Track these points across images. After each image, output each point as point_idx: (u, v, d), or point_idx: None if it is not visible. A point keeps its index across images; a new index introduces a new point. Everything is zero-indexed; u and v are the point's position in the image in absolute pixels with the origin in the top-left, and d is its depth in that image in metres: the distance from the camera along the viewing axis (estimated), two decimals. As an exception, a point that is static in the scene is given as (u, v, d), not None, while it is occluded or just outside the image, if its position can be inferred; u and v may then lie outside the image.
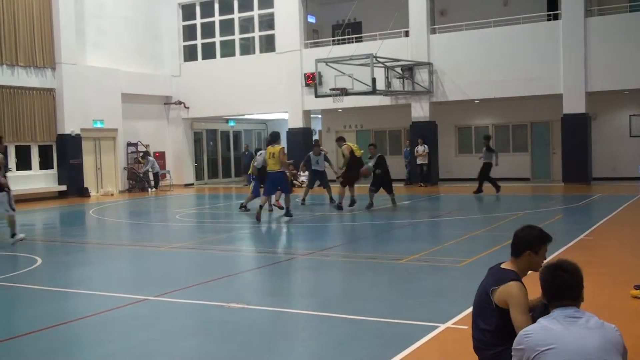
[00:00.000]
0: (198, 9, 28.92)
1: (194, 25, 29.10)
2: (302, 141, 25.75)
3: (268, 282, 8.67)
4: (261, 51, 27.78)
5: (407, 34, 24.26)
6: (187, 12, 29.22)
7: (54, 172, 24.32)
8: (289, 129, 26.92)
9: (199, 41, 29.03)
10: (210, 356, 5.44)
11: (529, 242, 3.82)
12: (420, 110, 24.11)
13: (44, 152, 24.26)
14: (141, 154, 26.47)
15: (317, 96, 22.02)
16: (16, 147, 23.12)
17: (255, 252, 11.15)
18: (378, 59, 21.10)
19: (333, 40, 26.28)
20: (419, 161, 23.61)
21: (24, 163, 23.52)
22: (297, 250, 10.95)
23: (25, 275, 9.10)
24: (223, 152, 32.14)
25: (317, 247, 11.04)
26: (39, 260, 10.13)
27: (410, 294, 7.35)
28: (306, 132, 26.63)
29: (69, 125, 24.25)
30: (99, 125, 25.43)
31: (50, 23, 23.95)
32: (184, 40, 29.22)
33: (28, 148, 23.70)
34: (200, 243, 12.14)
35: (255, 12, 27.73)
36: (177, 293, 7.63)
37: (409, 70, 23.61)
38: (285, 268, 9.46)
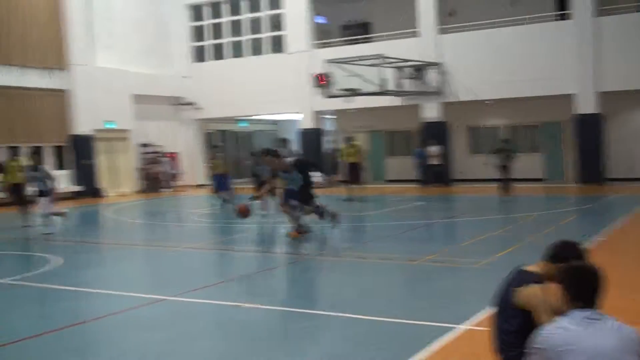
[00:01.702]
0: (207, 10, 29.07)
1: (203, 26, 29.26)
2: (312, 142, 25.87)
3: (282, 282, 8.77)
4: (270, 52, 27.90)
5: (416, 34, 24.29)
6: (196, 13, 29.38)
7: (68, 172, 24.53)
8: (301, 129, 27.06)
9: (208, 42, 29.17)
10: (225, 356, 5.53)
11: (566, 258, 3.78)
12: (430, 111, 24.14)
13: (58, 153, 24.54)
14: (159, 154, 26.81)
15: (326, 97, 22.11)
16: (29, 148, 23.35)
17: (269, 253, 11.25)
18: (387, 60, 21.15)
19: (342, 41, 26.37)
20: (432, 161, 23.58)
21: (38, 163, 23.66)
22: (311, 251, 11.04)
23: (45, 275, 9.23)
24: (234, 153, 32.27)
25: (330, 248, 11.12)
26: (59, 260, 10.26)
27: (425, 295, 7.42)
28: (317, 133, 26.74)
29: (82, 126, 24.48)
30: (111, 126, 25.64)
31: (61, 25, 24.16)
32: (193, 41, 29.37)
33: (41, 149, 23.92)
34: (215, 243, 12.26)
35: (264, 13, 27.85)
36: (193, 293, 7.72)
37: (418, 70, 23.64)
38: (300, 268, 9.55)
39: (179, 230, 15.23)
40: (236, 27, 28.65)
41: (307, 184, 11.69)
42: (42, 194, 13.81)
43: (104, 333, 6.36)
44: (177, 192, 25.98)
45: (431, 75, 23.66)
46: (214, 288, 8.11)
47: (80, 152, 24.49)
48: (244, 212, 12.36)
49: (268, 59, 27.71)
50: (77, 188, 24.40)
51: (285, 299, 7.48)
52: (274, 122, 33.34)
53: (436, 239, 12.25)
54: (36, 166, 14.14)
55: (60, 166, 24.50)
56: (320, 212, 12.11)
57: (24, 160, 15.70)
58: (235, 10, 28.57)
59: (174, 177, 27.44)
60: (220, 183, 18.50)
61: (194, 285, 8.25)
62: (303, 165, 11.99)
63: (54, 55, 23.97)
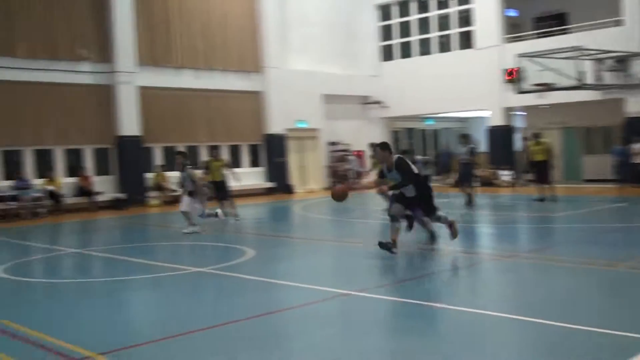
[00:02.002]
0: (395, 9, 29.20)
1: (391, 25, 29.44)
2: (501, 140, 24.99)
3: (466, 282, 8.52)
4: (459, 48, 27.38)
5: (619, 23, 22.50)
6: (384, 12, 29.63)
7: (262, 169, 26.04)
8: (489, 127, 26.27)
9: (396, 41, 29.30)
10: (403, 355, 5.44)
11: None
12: (635, 105, 22.23)
13: (253, 151, 26.12)
14: (347, 153, 27.54)
15: (517, 92, 21.22)
16: (229, 146, 25.23)
17: (453, 252, 11.00)
18: (586, 51, 19.81)
19: (535, 34, 25.17)
20: (636, 160, 21.70)
21: (235, 161, 25.43)
22: (498, 252, 10.62)
23: (238, 265, 9.79)
24: (421, 151, 32.13)
25: (517, 249, 10.63)
26: (252, 252, 10.85)
27: (626, 304, 6.81)
28: (507, 130, 25.80)
29: (275, 125, 25.84)
30: (302, 125, 26.74)
31: (257, 31, 25.65)
32: (381, 40, 29.65)
33: (239, 147, 25.70)
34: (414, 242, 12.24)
35: (453, 9, 27.39)
36: (377, 289, 7.74)
37: (621, 61, 21.86)
38: (485, 269, 9.23)
39: (364, 227, 15.41)
40: (424, 25, 28.50)
41: (420, 190, 9.86)
42: (190, 194, 13.94)
43: (286, 325, 6.55)
44: (363, 190, 26.37)
45: (637, 67, 21.77)
46: (398, 286, 8.09)
47: (273, 150, 25.88)
48: (338, 195, 10.36)
49: (456, 55, 27.23)
50: (269, 184, 25.77)
51: (470, 300, 7.24)
52: (462, 120, 32.68)
53: (638, 244, 11.21)
54: (184, 166, 14.10)
55: (255, 164, 26.06)
56: (431, 231, 10.61)
57: (224, 159, 16.56)
58: (423, 8, 28.43)
59: (360, 174, 27.90)
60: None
61: (377, 282, 8.29)
62: (403, 164, 9.76)
63: (250, 59, 25.54)
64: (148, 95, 22.86)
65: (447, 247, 10.38)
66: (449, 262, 9.97)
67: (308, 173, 27.36)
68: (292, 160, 26.74)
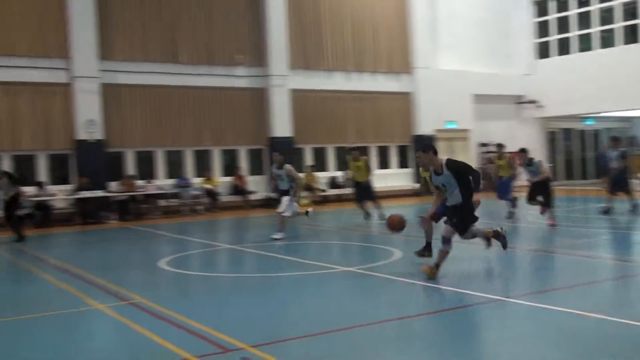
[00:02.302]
0: (552, 5, 27.86)
1: (548, 21, 28.12)
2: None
3: (628, 293, 7.88)
4: (623, 43, 25.63)
5: None
6: (541, 8, 28.37)
7: (409, 171, 25.85)
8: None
9: (553, 37, 27.95)
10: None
11: None
12: None
13: (402, 152, 26.03)
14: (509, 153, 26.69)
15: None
16: (378, 147, 25.37)
17: (615, 260, 10.25)
18: None
19: None
20: None
21: (383, 162, 25.57)
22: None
23: (385, 266, 9.72)
24: (579, 153, 30.46)
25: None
26: (399, 253, 10.75)
27: None
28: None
29: (424, 126, 25.58)
30: (452, 126, 26.27)
31: (406, 32, 25.53)
32: (537, 37, 28.41)
33: (387, 148, 25.72)
34: (558, 247, 11.62)
35: (617, 2, 25.66)
36: (535, 297, 7.37)
37: None
38: (655, 280, 8.51)
39: (523, 229, 14.77)
40: (584, 20, 26.96)
41: (466, 198, 8.24)
42: (284, 193, 13.31)
43: (442, 327, 6.41)
44: (518, 191, 25.37)
45: None
46: (558, 293, 7.65)
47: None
48: (394, 226, 9.46)
49: (620, 50, 25.53)
50: (417, 186, 25.44)
51: (634, 312, 6.67)
52: (625, 119, 30.57)
53: None
54: (283, 164, 13.36)
55: (403, 165, 25.96)
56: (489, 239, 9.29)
57: (364, 158, 16.13)
58: (584, 3, 26.90)
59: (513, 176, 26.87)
60: (503, 187, 16.38)
61: (535, 287, 7.89)
62: (455, 162, 8.40)
63: (400, 60, 25.50)
64: (299, 97, 23.49)
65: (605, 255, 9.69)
66: (610, 271, 9.30)
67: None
68: (441, 162, 26.34)
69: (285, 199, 13.20)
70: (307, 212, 14.26)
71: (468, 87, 26.50)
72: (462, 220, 8.33)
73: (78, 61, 19.79)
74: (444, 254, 8.33)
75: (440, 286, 8.10)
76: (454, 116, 26.36)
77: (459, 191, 8.18)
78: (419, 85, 25.68)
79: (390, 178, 25.18)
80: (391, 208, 20.35)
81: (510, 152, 27.39)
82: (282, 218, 13.17)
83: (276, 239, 12.91)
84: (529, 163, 14.39)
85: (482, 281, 8.63)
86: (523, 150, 15.36)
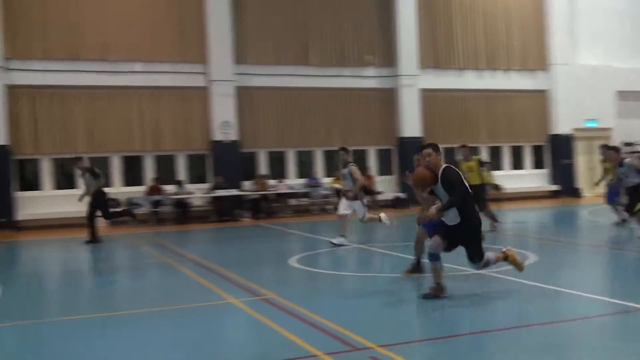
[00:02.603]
0: None
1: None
2: None
3: None
4: None
5: None
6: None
7: (546, 171, 24.87)
8: None
9: None
10: None
11: None
12: None
13: (537, 152, 25.09)
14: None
15: None
16: (511, 147, 24.60)
17: None
18: None
19: None
20: None
21: (517, 162, 24.75)
22: None
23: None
24: None
25: None
26: (533, 257, 10.33)
27: None
28: None
29: (562, 125, 24.47)
30: (592, 125, 24.96)
31: (543, 26, 24.53)
32: (690, 28, 26.35)
33: (521, 148, 24.87)
34: None
35: None
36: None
37: None
38: None
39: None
40: None
41: (467, 217, 7.29)
42: (346, 194, 12.78)
43: (576, 336, 6.08)
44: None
45: None
46: None
47: (558, 151, 24.56)
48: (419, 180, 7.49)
49: None
50: (554, 187, 24.52)
51: None
52: None
53: None
54: (346, 164, 12.66)
55: (538, 165, 25.01)
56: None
57: (476, 158, 14.34)
58: None
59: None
60: (612, 192, 14.57)
61: None
62: (451, 174, 7.30)
63: (535, 56, 24.59)
64: (429, 97, 23.22)
65: None
66: None
67: (598, 176, 25.32)
68: (580, 162, 25.07)
69: (345, 201, 12.79)
70: (380, 219, 13.04)
71: (611, 83, 25.06)
72: (474, 244, 7.34)
73: (215, 65, 20.69)
74: (438, 271, 7.39)
75: (578, 292, 7.69)
76: (594, 114, 25.00)
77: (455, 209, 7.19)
78: (557, 82, 24.59)
79: (524, 179, 24.35)
80: (525, 211, 19.64)
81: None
82: (342, 219, 12.71)
83: (335, 244, 12.47)
84: (620, 164, 12.33)
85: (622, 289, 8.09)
86: (614, 149, 13.20)
